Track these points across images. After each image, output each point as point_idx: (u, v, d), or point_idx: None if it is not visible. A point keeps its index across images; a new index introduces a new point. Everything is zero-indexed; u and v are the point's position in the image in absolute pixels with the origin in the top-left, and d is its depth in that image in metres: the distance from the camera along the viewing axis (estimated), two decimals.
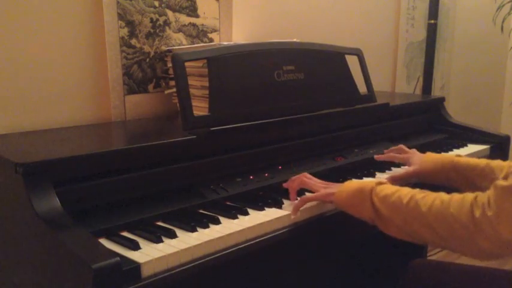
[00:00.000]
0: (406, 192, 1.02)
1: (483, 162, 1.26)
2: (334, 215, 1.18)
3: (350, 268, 1.52)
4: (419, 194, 1.00)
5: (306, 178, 1.19)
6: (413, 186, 1.08)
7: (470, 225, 0.90)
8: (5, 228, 1.05)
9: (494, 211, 0.88)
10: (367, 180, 1.12)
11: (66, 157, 0.99)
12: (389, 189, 1.05)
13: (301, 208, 1.12)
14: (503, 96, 3.29)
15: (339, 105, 1.50)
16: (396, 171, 1.43)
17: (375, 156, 1.47)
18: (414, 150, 1.44)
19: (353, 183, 1.12)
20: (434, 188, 1.06)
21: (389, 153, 1.47)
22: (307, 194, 1.17)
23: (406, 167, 1.40)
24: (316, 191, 1.16)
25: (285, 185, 1.20)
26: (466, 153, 1.70)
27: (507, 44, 3.11)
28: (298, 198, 1.15)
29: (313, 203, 1.15)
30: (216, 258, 0.94)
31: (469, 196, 0.93)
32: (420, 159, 1.36)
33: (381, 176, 1.39)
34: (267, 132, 1.33)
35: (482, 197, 0.91)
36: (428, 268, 1.33)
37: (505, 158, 1.85)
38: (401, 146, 1.47)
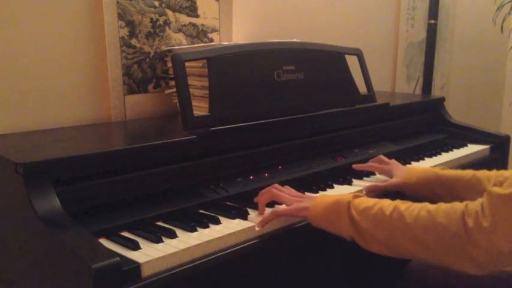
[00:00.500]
0: (387, 203, 0.96)
1: (469, 173, 1.22)
2: None
3: (348, 268, 1.52)
4: (402, 204, 0.94)
5: (277, 190, 1.11)
6: (394, 197, 1.01)
7: (463, 235, 0.85)
8: (5, 228, 1.05)
9: (490, 221, 0.83)
10: (342, 194, 1.05)
11: (66, 157, 0.99)
12: (369, 201, 0.98)
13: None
14: (503, 96, 3.29)
15: (339, 105, 1.50)
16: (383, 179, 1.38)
17: (354, 166, 1.40)
18: (393, 161, 1.39)
19: (327, 197, 1.05)
20: (417, 200, 0.99)
21: (370, 163, 1.40)
22: (278, 207, 1.09)
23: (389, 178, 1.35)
24: (288, 205, 1.08)
25: (255, 199, 1.12)
26: (466, 153, 1.70)
27: (507, 44, 3.11)
28: (268, 210, 1.08)
29: None
30: (216, 258, 0.94)
31: (458, 204, 0.88)
32: (403, 173, 1.31)
33: (380, 178, 1.39)
34: (267, 132, 1.33)
35: (474, 205, 0.87)
36: (426, 270, 1.33)
37: (505, 158, 1.86)
38: (381, 156, 1.41)
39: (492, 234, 0.82)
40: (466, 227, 0.84)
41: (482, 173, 1.22)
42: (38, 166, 0.93)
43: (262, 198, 1.11)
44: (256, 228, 1.03)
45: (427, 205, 0.92)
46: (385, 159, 1.40)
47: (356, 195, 1.02)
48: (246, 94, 1.28)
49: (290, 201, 1.08)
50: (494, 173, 1.22)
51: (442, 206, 0.90)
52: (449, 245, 0.87)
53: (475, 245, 0.84)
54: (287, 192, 1.12)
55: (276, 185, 1.13)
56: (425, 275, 1.29)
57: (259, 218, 1.06)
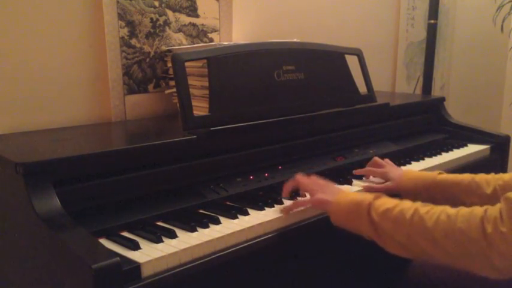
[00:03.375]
0: (408, 206, 0.97)
1: (467, 177, 1.22)
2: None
3: (350, 269, 1.52)
4: (422, 208, 0.95)
5: (303, 179, 1.15)
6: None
7: (482, 241, 0.85)
8: (5, 228, 1.05)
9: (508, 227, 0.83)
10: (364, 194, 1.06)
11: (66, 157, 0.99)
12: (390, 203, 0.99)
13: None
14: (503, 97, 3.29)
15: (339, 105, 1.50)
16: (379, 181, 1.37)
17: (355, 171, 1.39)
18: (388, 161, 1.38)
19: (349, 196, 1.06)
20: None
21: (367, 168, 1.39)
22: (301, 200, 1.13)
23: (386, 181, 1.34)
24: (311, 195, 1.12)
25: (284, 185, 1.17)
26: (466, 153, 1.70)
27: (507, 44, 3.11)
28: (290, 202, 1.13)
29: None
30: (216, 258, 0.94)
31: (478, 210, 0.89)
32: (399, 177, 1.30)
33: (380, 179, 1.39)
34: (267, 132, 1.33)
35: (493, 210, 0.87)
36: (429, 269, 1.33)
37: (505, 158, 1.85)
38: (375, 158, 1.40)
39: (510, 239, 0.83)
40: (485, 233, 0.85)
41: (481, 177, 1.22)
42: (38, 166, 0.93)
43: (288, 186, 1.16)
44: (253, 225, 1.03)
45: (447, 209, 0.93)
46: (380, 161, 1.39)
47: (377, 196, 1.02)
48: (246, 94, 1.28)
49: (314, 192, 1.10)
50: (492, 176, 1.21)
51: (462, 211, 0.91)
52: (468, 250, 0.87)
53: (494, 251, 0.84)
54: (312, 182, 1.14)
55: (301, 175, 1.16)
56: (427, 273, 1.29)
57: (259, 218, 1.06)
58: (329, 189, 1.12)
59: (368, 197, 1.02)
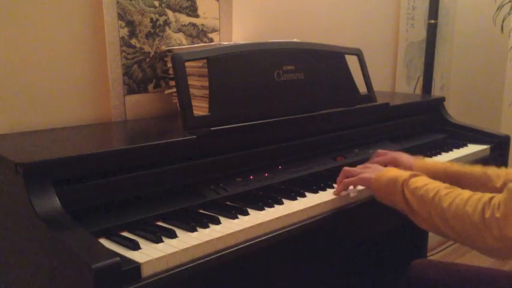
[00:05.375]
0: (434, 186, 1.06)
1: (479, 170, 1.26)
2: (334, 214, 1.18)
3: (351, 268, 1.52)
4: (444, 189, 1.04)
5: (348, 168, 1.25)
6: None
7: (481, 223, 0.95)
8: (5, 228, 1.05)
9: (502, 212, 0.92)
10: (402, 171, 1.17)
11: (66, 157, 0.98)
12: (421, 181, 1.09)
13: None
14: (503, 96, 3.30)
15: (339, 105, 1.50)
16: None
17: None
18: (393, 152, 1.41)
19: (390, 172, 1.16)
20: None
21: (375, 159, 1.40)
22: (347, 179, 1.22)
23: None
24: (356, 175, 1.21)
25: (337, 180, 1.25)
26: (466, 153, 1.70)
27: (507, 44, 3.11)
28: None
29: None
30: (216, 258, 0.94)
31: (486, 197, 0.97)
32: (410, 162, 1.34)
33: None
34: (267, 132, 1.33)
35: (497, 198, 0.95)
36: (430, 268, 1.33)
37: (505, 158, 1.86)
38: (380, 150, 1.44)
39: (503, 224, 0.91)
40: (484, 217, 0.94)
41: (492, 170, 1.24)
42: (38, 166, 0.93)
43: (339, 177, 1.24)
44: (253, 225, 1.03)
45: (463, 193, 1.02)
46: (382, 150, 1.42)
47: (414, 174, 1.12)
48: (246, 94, 1.28)
49: (358, 172, 1.22)
50: (504, 171, 1.23)
51: (474, 196, 0.99)
52: (469, 231, 0.97)
53: (488, 233, 0.94)
54: (358, 167, 1.26)
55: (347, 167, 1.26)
56: (427, 273, 1.30)
57: (259, 218, 1.06)
58: (373, 168, 1.24)
59: (405, 174, 1.12)
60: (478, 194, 1.00)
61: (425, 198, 1.05)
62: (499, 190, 1.18)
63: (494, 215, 0.93)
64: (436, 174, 1.26)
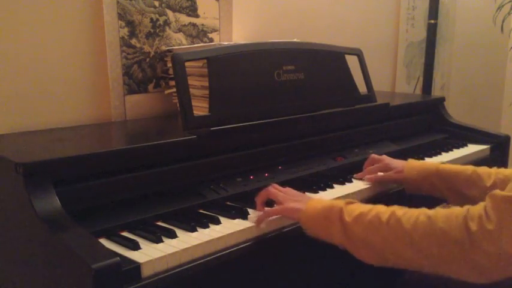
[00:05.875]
0: (384, 209, 0.92)
1: (469, 169, 1.23)
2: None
3: (350, 268, 1.51)
4: (399, 210, 0.91)
5: (275, 189, 1.09)
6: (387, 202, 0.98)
7: (465, 240, 0.82)
8: (5, 228, 1.05)
9: (496, 224, 0.80)
10: (336, 200, 1.02)
11: (66, 157, 0.99)
12: (364, 207, 0.95)
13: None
14: (503, 96, 3.29)
15: (339, 105, 1.50)
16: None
17: (355, 175, 1.35)
18: (385, 156, 1.38)
19: (321, 203, 1.00)
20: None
21: (368, 168, 1.36)
22: (270, 208, 1.06)
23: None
24: (282, 204, 1.05)
25: (255, 198, 1.10)
26: (466, 153, 1.70)
27: (507, 44, 3.11)
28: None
29: None
30: (216, 258, 0.94)
31: (459, 210, 0.86)
32: (403, 166, 1.31)
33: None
34: (267, 132, 1.33)
35: (476, 209, 0.84)
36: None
37: (505, 158, 1.86)
38: (373, 155, 1.39)
39: (497, 237, 0.80)
40: (469, 231, 0.82)
41: (483, 170, 1.22)
42: (38, 166, 0.93)
43: (260, 197, 1.09)
44: (253, 225, 1.02)
45: (425, 210, 0.89)
46: (377, 157, 1.39)
47: (349, 202, 0.98)
48: (246, 94, 1.28)
49: (284, 201, 1.05)
50: (494, 170, 1.22)
51: (442, 211, 0.87)
52: (450, 251, 0.84)
53: (478, 250, 0.81)
54: (284, 192, 1.09)
55: (275, 185, 1.11)
56: (427, 273, 1.29)
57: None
58: (301, 197, 1.07)
59: (340, 202, 0.98)
60: (444, 210, 0.87)
61: (377, 223, 0.90)
62: (490, 189, 1.17)
63: (485, 227, 0.80)
64: (429, 174, 1.26)
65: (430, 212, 0.88)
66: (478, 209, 0.84)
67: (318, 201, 1.02)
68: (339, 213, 0.95)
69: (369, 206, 0.95)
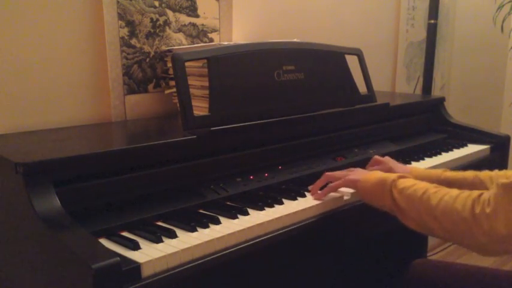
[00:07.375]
0: (422, 185, 1.08)
1: (471, 174, 1.26)
2: (334, 214, 1.18)
3: (351, 268, 1.52)
4: (433, 188, 1.06)
5: (330, 172, 1.25)
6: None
7: (470, 219, 0.95)
8: (4, 228, 1.05)
9: (492, 207, 0.93)
10: (389, 173, 1.17)
11: (66, 157, 0.98)
12: (409, 182, 1.10)
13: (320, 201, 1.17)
14: (503, 96, 3.29)
15: (339, 105, 1.50)
16: None
17: None
18: (388, 158, 1.40)
19: (377, 174, 1.16)
20: None
21: (370, 169, 1.38)
22: (333, 183, 1.21)
23: None
24: (340, 178, 1.21)
25: (310, 187, 1.23)
26: (466, 153, 1.70)
27: (507, 44, 3.11)
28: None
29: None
30: (216, 258, 0.94)
31: (475, 193, 0.98)
32: (406, 171, 1.33)
33: None
34: (267, 132, 1.33)
35: (487, 194, 0.96)
36: (430, 268, 1.33)
37: (505, 158, 1.85)
38: (376, 157, 1.43)
39: (493, 219, 0.93)
40: (474, 213, 0.95)
41: (485, 174, 1.24)
42: (38, 166, 0.93)
43: (319, 182, 1.23)
44: (253, 225, 1.03)
45: (452, 191, 1.03)
46: (380, 158, 1.40)
47: (401, 176, 1.13)
48: (246, 94, 1.28)
49: (343, 175, 1.22)
50: (495, 173, 1.23)
51: (463, 193, 1.00)
52: (460, 227, 0.98)
53: (479, 229, 0.94)
54: (341, 171, 1.26)
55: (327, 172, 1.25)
56: (427, 273, 1.30)
57: (259, 218, 1.06)
58: (359, 171, 1.24)
59: (392, 175, 1.13)
60: (467, 192, 1.01)
61: (414, 197, 1.06)
62: None
63: (485, 210, 0.94)
64: (432, 181, 1.26)
65: (455, 192, 1.02)
66: (486, 194, 0.97)
67: (375, 173, 1.18)
68: (390, 185, 1.11)
69: (412, 182, 1.11)
